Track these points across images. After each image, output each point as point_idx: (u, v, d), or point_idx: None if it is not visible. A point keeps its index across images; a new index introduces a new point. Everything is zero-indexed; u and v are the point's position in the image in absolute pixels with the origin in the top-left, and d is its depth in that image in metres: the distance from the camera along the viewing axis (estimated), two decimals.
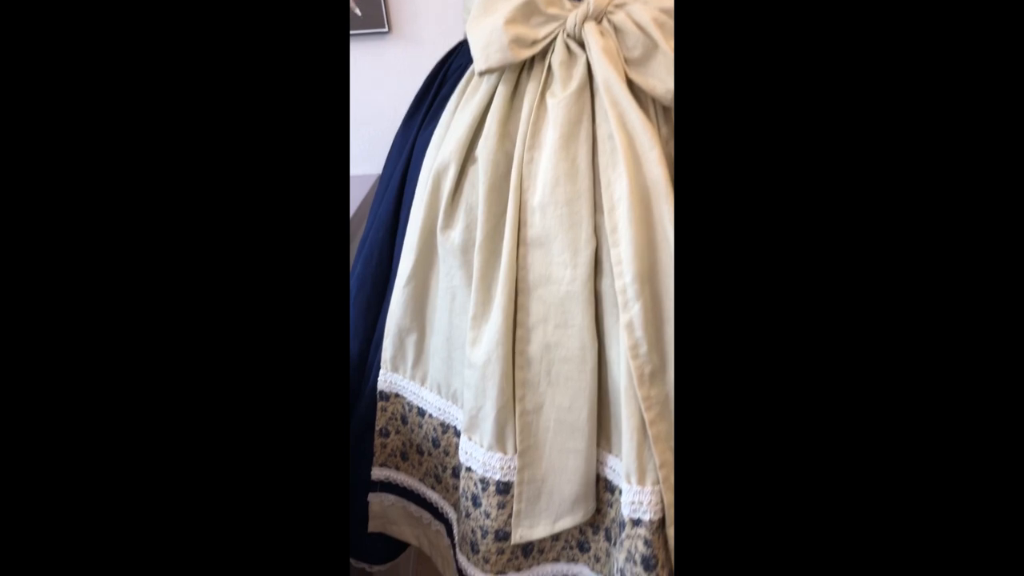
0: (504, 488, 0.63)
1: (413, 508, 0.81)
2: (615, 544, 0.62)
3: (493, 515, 0.64)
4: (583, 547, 0.66)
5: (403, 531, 0.83)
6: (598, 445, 0.62)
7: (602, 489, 0.63)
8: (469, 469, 0.65)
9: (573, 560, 0.67)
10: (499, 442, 0.62)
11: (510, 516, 0.64)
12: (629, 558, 0.58)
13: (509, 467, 0.63)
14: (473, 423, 0.64)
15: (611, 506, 0.63)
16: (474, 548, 0.66)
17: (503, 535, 0.64)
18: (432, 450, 0.74)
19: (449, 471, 0.73)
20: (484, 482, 0.64)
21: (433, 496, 0.78)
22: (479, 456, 0.64)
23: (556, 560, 0.67)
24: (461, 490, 0.67)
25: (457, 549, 0.70)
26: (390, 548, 0.87)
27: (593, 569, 0.66)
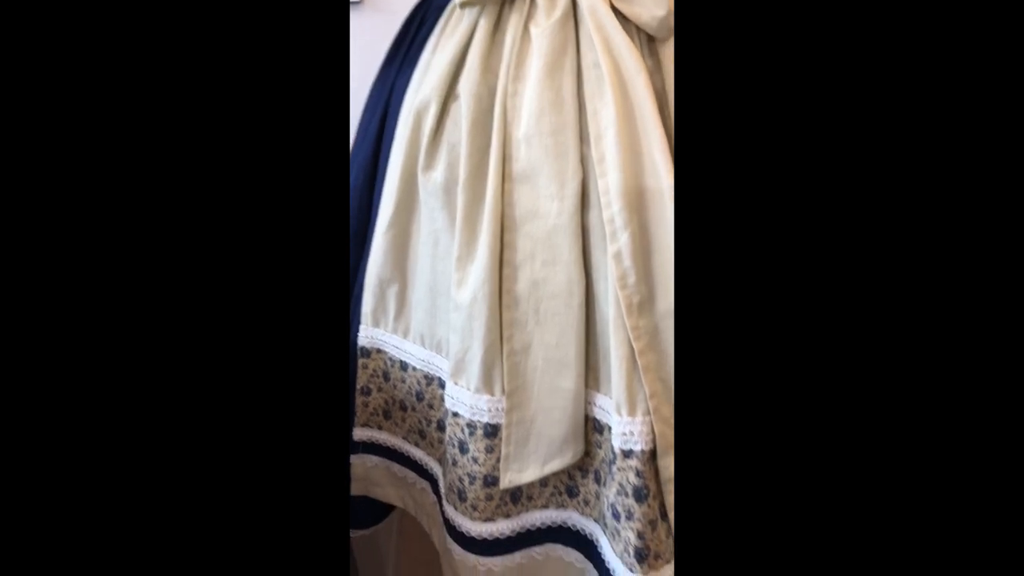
0: (492, 431, 0.62)
1: (397, 468, 0.79)
2: (604, 484, 0.61)
3: (481, 460, 0.63)
4: (572, 492, 0.66)
5: (387, 493, 0.82)
6: (586, 385, 0.61)
7: (590, 430, 0.63)
8: (456, 415, 0.64)
9: (562, 506, 0.67)
10: (486, 384, 0.61)
11: (498, 460, 0.63)
12: (620, 491, 0.57)
13: (497, 409, 0.62)
14: (459, 367, 0.63)
15: (600, 446, 0.62)
16: (461, 496, 0.65)
17: (491, 480, 0.63)
18: (416, 404, 0.73)
19: (434, 425, 0.72)
20: (471, 426, 0.63)
21: (417, 453, 0.76)
22: (466, 400, 0.63)
23: (545, 507, 0.67)
24: (447, 438, 0.66)
25: (444, 501, 0.69)
26: (374, 511, 0.86)
27: (583, 513, 0.65)
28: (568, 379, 0.60)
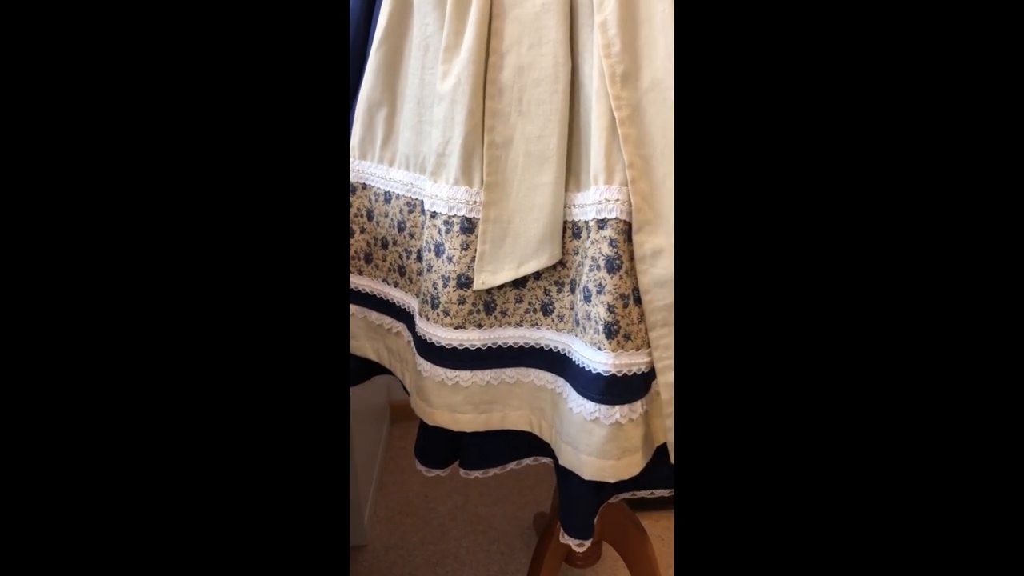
0: (468, 226, 0.61)
1: (374, 316, 0.78)
2: (579, 284, 0.60)
3: (456, 258, 0.62)
4: (547, 309, 0.64)
5: (362, 346, 0.80)
6: (566, 188, 0.60)
7: (568, 237, 0.61)
8: (434, 215, 0.63)
9: (535, 325, 0.65)
10: (465, 174, 0.61)
11: (473, 260, 0.62)
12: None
13: (475, 202, 0.61)
14: (439, 162, 0.62)
15: (576, 252, 0.61)
16: (434, 304, 0.64)
17: (465, 281, 0.62)
18: (397, 237, 0.72)
19: (413, 256, 0.71)
20: (448, 223, 0.62)
21: (396, 294, 0.75)
22: (443, 194, 0.62)
23: (519, 324, 0.65)
24: (423, 244, 0.65)
25: (417, 318, 0.67)
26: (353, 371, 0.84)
27: (557, 330, 0.64)
28: (548, 173, 0.59)
